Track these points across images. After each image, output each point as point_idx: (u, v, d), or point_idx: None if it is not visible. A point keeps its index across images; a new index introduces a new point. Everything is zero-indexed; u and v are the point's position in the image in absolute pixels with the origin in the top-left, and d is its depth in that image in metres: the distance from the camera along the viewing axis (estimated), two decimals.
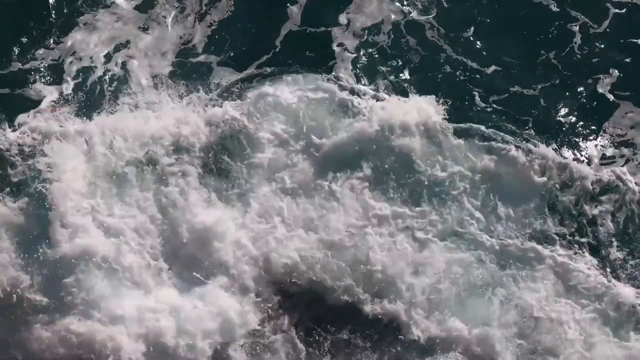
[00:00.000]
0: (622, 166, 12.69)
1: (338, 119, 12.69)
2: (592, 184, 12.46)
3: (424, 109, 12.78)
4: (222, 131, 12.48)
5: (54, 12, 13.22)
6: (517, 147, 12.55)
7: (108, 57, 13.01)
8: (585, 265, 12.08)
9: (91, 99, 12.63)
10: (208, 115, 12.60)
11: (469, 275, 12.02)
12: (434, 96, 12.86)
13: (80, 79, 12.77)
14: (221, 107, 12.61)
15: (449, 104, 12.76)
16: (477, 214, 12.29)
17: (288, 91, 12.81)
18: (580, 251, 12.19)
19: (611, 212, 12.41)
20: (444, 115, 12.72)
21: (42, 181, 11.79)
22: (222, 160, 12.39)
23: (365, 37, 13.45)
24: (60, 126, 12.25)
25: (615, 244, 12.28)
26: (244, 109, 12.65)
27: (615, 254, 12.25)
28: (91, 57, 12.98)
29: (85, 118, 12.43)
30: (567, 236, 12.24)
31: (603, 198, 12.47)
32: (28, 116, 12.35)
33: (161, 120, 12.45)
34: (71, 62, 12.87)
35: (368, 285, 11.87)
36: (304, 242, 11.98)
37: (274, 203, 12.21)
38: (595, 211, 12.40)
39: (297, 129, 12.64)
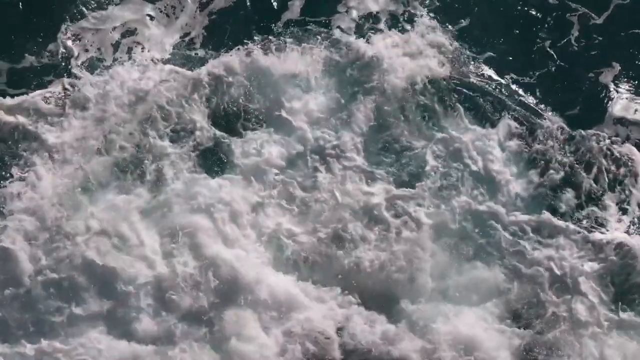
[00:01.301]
0: (623, 144, 12.82)
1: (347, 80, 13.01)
2: (597, 159, 12.60)
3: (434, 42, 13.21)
4: (218, 103, 12.77)
5: (61, 4, 13.62)
6: (519, 125, 12.82)
7: (116, 47, 13.40)
8: (596, 237, 12.14)
9: (95, 89, 12.93)
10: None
11: (470, 254, 12.08)
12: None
13: (87, 71, 13.12)
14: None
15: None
16: (483, 189, 12.44)
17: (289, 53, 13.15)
18: (590, 224, 12.31)
19: (618, 186, 12.56)
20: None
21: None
22: (221, 143, 12.66)
23: (365, 24, 13.69)
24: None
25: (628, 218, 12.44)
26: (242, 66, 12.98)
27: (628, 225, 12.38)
28: (99, 49, 13.37)
29: (83, 109, 12.74)
30: (576, 211, 12.39)
31: (611, 173, 12.60)
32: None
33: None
34: (78, 54, 13.22)
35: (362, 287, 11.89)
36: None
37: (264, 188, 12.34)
38: (605, 185, 12.52)
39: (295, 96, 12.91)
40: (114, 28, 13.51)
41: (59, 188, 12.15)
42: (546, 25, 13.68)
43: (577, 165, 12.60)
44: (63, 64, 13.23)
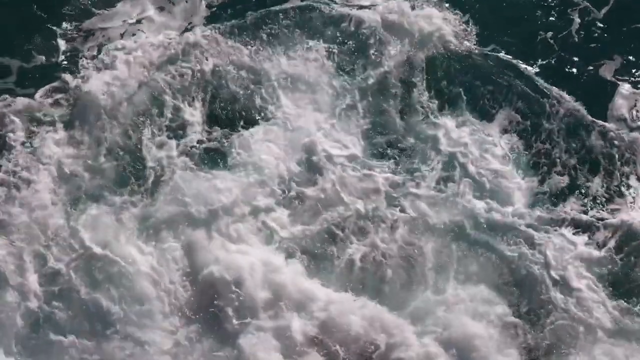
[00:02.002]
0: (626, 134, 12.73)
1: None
2: (601, 149, 12.54)
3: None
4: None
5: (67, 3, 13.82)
6: (520, 117, 12.79)
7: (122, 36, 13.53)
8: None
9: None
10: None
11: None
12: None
13: (91, 67, 13.15)
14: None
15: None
16: (483, 183, 12.35)
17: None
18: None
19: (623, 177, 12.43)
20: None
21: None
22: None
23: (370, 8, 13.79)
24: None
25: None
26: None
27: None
28: (109, 37, 13.51)
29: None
30: (580, 205, 12.20)
31: (615, 164, 12.48)
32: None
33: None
34: (89, 49, 13.36)
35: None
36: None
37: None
38: (609, 176, 12.38)
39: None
40: (121, 23, 13.68)
41: (56, 195, 12.10)
42: (549, 18, 13.78)
43: (581, 157, 12.56)
44: (67, 62, 13.37)
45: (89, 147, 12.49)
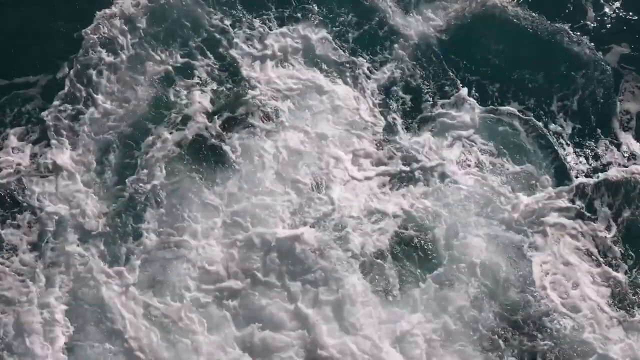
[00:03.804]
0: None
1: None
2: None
3: None
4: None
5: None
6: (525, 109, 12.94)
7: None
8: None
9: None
10: None
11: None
12: None
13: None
14: None
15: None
16: (484, 178, 12.46)
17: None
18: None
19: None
20: None
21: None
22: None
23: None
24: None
25: None
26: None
27: None
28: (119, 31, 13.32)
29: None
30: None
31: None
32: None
33: None
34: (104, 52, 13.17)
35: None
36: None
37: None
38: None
39: None
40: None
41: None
42: (562, 14, 13.81)
43: (588, 154, 12.73)
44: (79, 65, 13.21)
45: (91, 161, 12.53)
